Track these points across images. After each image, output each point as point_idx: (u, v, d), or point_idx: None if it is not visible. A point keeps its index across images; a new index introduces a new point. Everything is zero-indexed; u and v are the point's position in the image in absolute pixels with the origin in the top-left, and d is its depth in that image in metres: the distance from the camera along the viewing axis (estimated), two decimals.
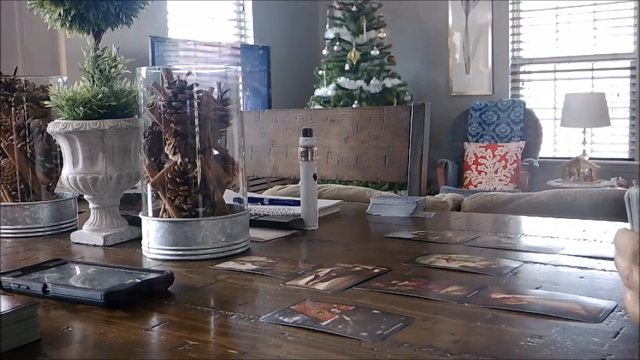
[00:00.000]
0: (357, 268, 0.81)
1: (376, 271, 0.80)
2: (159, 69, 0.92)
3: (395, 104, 4.95)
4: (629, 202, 0.53)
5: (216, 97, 0.91)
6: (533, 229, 1.08)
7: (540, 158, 5.07)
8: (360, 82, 5.09)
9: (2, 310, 0.58)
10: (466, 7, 5.53)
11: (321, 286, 0.75)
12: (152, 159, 0.92)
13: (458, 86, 5.63)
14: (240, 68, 0.98)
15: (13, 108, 1.10)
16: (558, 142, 5.28)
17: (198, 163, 0.90)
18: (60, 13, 0.99)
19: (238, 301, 0.73)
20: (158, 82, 0.90)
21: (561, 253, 0.88)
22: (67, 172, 1.01)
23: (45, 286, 0.71)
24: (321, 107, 4.83)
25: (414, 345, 0.56)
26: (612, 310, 0.63)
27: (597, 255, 0.85)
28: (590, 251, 0.88)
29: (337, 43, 5.23)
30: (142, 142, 0.92)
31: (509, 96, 5.48)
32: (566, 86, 5.27)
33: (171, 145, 0.89)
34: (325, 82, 5.17)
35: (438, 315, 0.64)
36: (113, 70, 1.01)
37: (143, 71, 0.93)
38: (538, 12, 5.37)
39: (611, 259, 0.58)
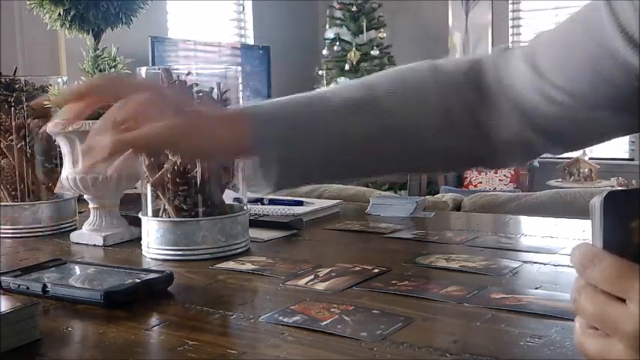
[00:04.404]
0: (357, 268, 0.81)
1: (376, 271, 0.80)
2: (159, 69, 0.92)
3: None
4: (592, 211, 0.42)
5: (216, 97, 0.91)
6: (533, 229, 1.08)
7: (540, 158, 5.04)
8: None
9: (2, 310, 0.58)
10: (466, 7, 5.53)
11: (320, 286, 0.75)
12: (152, 159, 0.92)
13: None
14: (240, 68, 0.98)
15: (13, 108, 1.10)
16: None
17: (198, 163, 0.89)
18: (60, 13, 0.99)
19: (238, 301, 0.73)
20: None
21: (561, 253, 0.88)
22: (67, 172, 1.01)
23: (45, 286, 0.71)
24: None
25: (414, 345, 0.56)
26: None
27: None
28: None
29: (337, 43, 5.23)
30: None
31: None
32: None
33: None
34: (325, 82, 5.17)
35: (438, 315, 0.64)
36: (113, 70, 1.01)
37: (143, 71, 0.92)
38: (538, 12, 5.38)
39: None
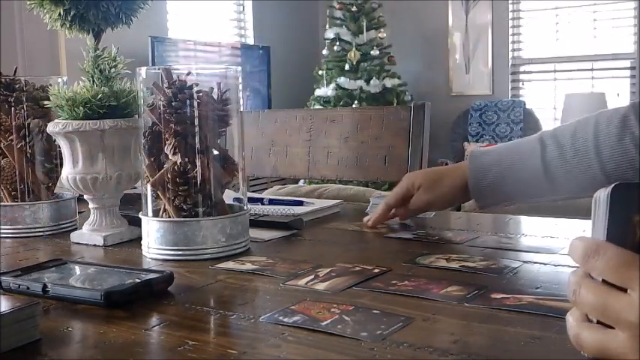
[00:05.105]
0: (357, 268, 0.81)
1: (376, 271, 0.80)
2: (159, 69, 0.92)
3: (395, 104, 4.95)
4: (596, 204, 0.43)
5: (216, 97, 0.91)
6: (533, 229, 1.08)
7: None
8: (360, 82, 5.09)
9: (2, 310, 0.58)
10: (466, 7, 5.53)
11: (320, 286, 0.75)
12: (152, 159, 0.92)
13: (458, 86, 5.63)
14: (240, 68, 0.98)
15: (13, 108, 1.10)
16: None
17: (198, 163, 0.90)
18: (60, 13, 0.98)
19: (238, 301, 0.73)
20: (158, 82, 0.90)
21: (561, 253, 0.88)
22: (67, 172, 1.01)
23: (45, 286, 0.71)
24: (321, 107, 4.83)
25: (414, 345, 0.56)
26: None
27: None
28: None
29: (337, 43, 5.23)
30: (141, 142, 0.92)
31: (509, 96, 5.48)
32: (566, 86, 5.27)
33: (171, 145, 0.89)
34: (325, 82, 5.17)
35: (438, 315, 0.64)
36: (113, 70, 1.01)
37: (143, 71, 0.93)
38: (538, 12, 5.38)
39: None
